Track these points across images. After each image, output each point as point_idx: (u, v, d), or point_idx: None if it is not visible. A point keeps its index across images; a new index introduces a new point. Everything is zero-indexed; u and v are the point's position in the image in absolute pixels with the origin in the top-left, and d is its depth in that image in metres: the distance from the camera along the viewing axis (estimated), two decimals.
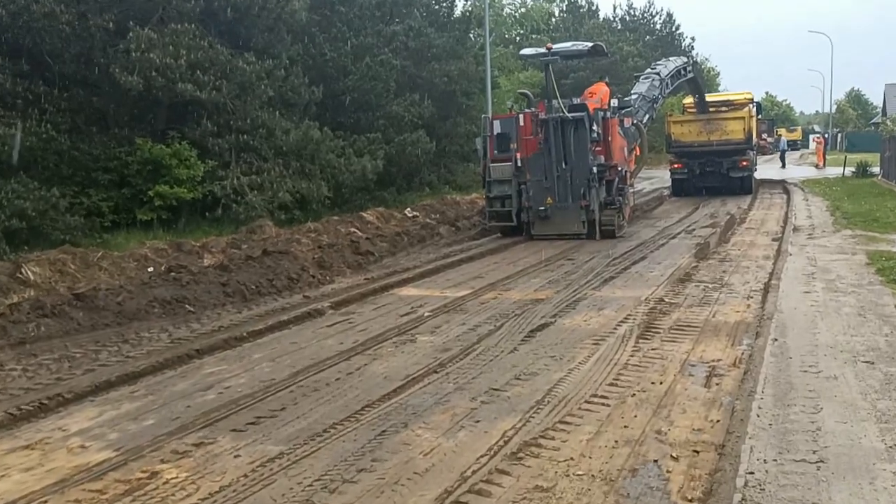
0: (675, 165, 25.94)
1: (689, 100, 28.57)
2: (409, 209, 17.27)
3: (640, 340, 6.67)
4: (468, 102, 25.47)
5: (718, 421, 4.68)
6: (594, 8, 59.66)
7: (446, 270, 11.50)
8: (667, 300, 8.27)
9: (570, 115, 15.00)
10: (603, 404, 5.09)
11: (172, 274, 9.37)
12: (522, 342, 6.87)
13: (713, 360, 5.99)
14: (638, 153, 19.51)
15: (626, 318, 7.55)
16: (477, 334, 7.27)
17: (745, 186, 25.18)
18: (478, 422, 4.88)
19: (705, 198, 23.99)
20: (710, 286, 8.95)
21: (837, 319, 6.71)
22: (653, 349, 6.39)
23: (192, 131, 14.21)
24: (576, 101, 16.50)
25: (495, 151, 16.03)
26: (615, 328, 7.19)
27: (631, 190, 18.84)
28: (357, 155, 17.79)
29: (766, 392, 4.95)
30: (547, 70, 15.92)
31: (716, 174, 24.98)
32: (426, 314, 8.33)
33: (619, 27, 61.91)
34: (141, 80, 13.09)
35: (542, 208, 14.79)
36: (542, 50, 16.29)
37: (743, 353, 6.11)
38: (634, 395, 5.26)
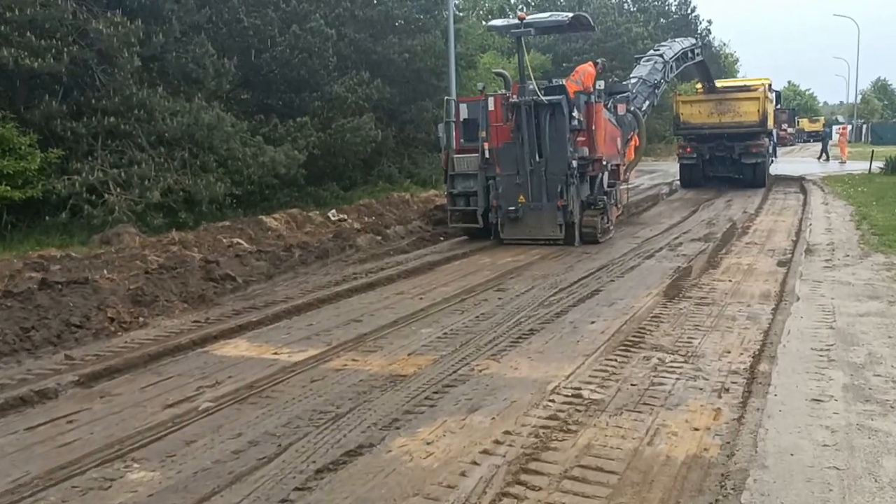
0: (686, 150, 23.65)
1: (700, 85, 25.70)
2: (333, 211, 14.12)
3: None
4: (438, 84, 22.16)
5: None
6: None
7: (322, 307, 8.36)
8: (585, 394, 5.07)
9: (544, 98, 12.19)
10: None
11: None
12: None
13: None
14: (636, 144, 16.63)
15: (502, 439, 4.38)
16: (229, 470, 4.15)
17: (757, 177, 22.96)
18: None
19: (709, 197, 20.63)
20: (667, 362, 5.72)
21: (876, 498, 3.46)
22: None
23: (34, 111, 11.08)
24: (556, 82, 13.66)
25: (462, 140, 13.46)
26: (471, 466, 4.04)
27: (624, 186, 15.85)
28: (275, 143, 14.64)
29: None
30: (519, 44, 13.14)
31: (726, 160, 23.04)
32: (204, 405, 5.22)
33: (633, 9, 58.16)
34: None
35: (513, 208, 12.31)
36: (515, 21, 13.33)
37: None
38: None
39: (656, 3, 61.92)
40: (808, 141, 60.58)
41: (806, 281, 8.31)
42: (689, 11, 62.93)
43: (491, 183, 12.73)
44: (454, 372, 5.74)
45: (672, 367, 5.60)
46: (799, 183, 23.31)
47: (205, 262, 9.23)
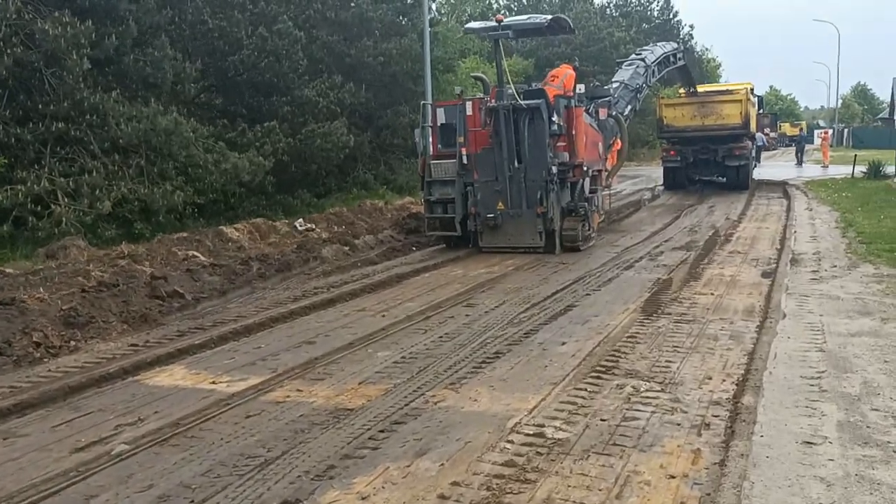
0: (670, 153, 23.69)
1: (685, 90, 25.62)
2: (300, 220, 13.48)
3: None
4: (415, 88, 21.58)
5: None
6: None
7: (275, 327, 7.74)
8: (549, 432, 4.49)
9: (523, 102, 11.83)
10: None
11: None
12: None
13: None
14: (618, 149, 16.26)
15: (448, 492, 3.76)
16: None
17: (741, 179, 23.09)
18: None
19: (691, 202, 20.22)
20: (642, 391, 5.16)
21: None
22: None
23: None
24: (535, 86, 13.39)
25: (439, 146, 13.06)
26: None
27: (606, 192, 15.45)
28: (242, 150, 14.00)
29: None
30: (497, 47, 12.71)
31: (710, 163, 23.10)
32: (118, 448, 4.59)
33: (615, 14, 57.97)
34: None
35: (492, 215, 11.92)
36: (492, 23, 12.86)
37: None
38: None
39: (639, 8, 61.84)
40: (790, 145, 60.58)
41: (792, 295, 7.79)
42: (671, 16, 62.95)
43: (469, 189, 12.30)
44: (406, 405, 5.15)
45: (647, 397, 5.04)
46: (782, 188, 22.97)
47: (151, 277, 8.57)
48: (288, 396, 5.49)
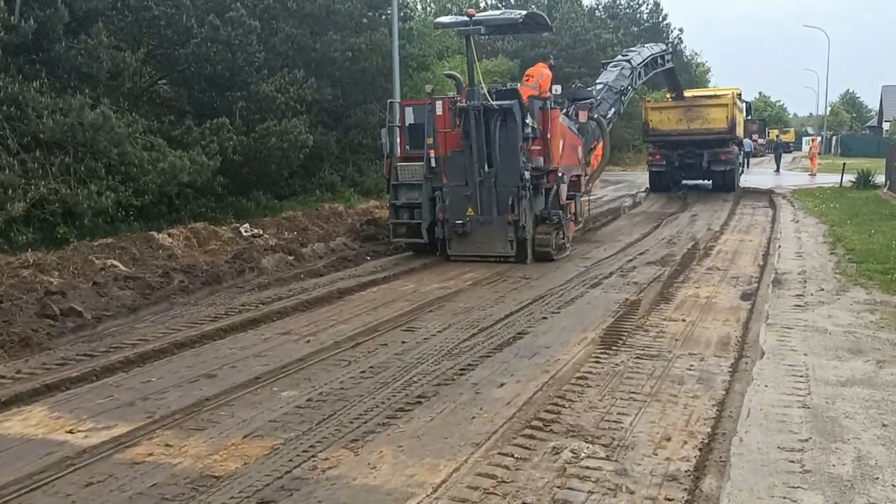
0: (656, 157, 23.49)
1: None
2: (246, 226, 12.41)
3: None
4: (386, 86, 20.51)
5: None
6: None
7: (178, 353, 6.68)
8: None
9: (495, 103, 11.09)
10: None
11: None
12: None
13: None
14: (600, 154, 15.38)
15: None
16: None
17: (727, 181, 23.04)
18: None
19: (673, 211, 19.29)
20: (582, 458, 4.13)
21: None
22: None
23: None
24: (510, 85, 12.63)
25: (407, 147, 12.39)
26: None
27: (586, 198, 14.59)
28: (185, 148, 12.92)
29: None
30: (468, 44, 11.85)
31: (696, 167, 23.00)
32: None
33: (604, 16, 57.14)
34: None
35: (460, 222, 11.23)
36: (463, 18, 11.99)
37: None
38: None
39: (628, 10, 61.14)
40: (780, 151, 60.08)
41: (773, 326, 6.80)
42: (660, 19, 62.23)
43: (437, 194, 11.58)
44: (288, 472, 4.12)
45: (588, 467, 4.03)
46: (768, 197, 22.11)
47: (46, 292, 7.49)
48: (151, 454, 4.45)
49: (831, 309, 7.41)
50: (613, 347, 6.44)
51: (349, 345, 6.90)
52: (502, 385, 5.51)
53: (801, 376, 5.27)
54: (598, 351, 6.35)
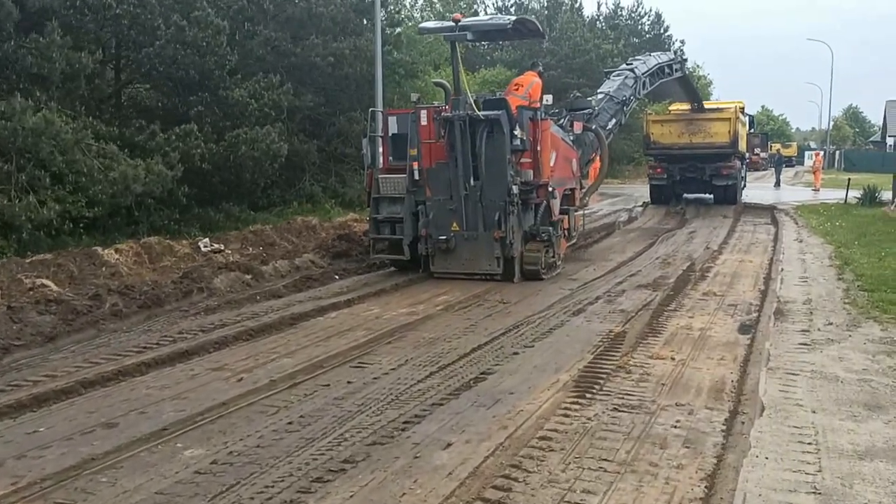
0: (657, 171, 23.15)
1: (675, 107, 24.52)
2: (206, 240, 11.51)
3: None
4: (372, 93, 19.67)
5: None
6: (577, 5, 54.06)
7: (85, 394, 5.74)
8: None
9: (481, 113, 10.42)
10: None
11: None
12: None
13: None
14: (597, 167, 14.64)
15: None
16: None
17: (728, 195, 22.74)
18: None
19: (670, 227, 18.39)
20: None
21: None
22: None
23: None
24: (498, 94, 11.94)
25: (390, 158, 11.73)
26: None
27: (580, 213, 13.80)
28: (146, 155, 12.04)
29: None
30: (454, 50, 11.14)
31: (697, 181, 22.70)
32: None
33: (604, 27, 56.46)
34: None
35: (444, 237, 10.71)
36: (449, 23, 11.27)
37: None
38: None
39: (629, 21, 60.53)
40: (781, 165, 59.38)
41: (775, 371, 5.86)
42: (662, 31, 61.58)
43: (420, 209, 10.99)
44: None
45: None
46: (770, 213, 21.22)
47: None
48: None
49: (842, 349, 6.45)
50: (588, 395, 5.50)
51: (286, 384, 5.97)
52: (448, 446, 4.56)
53: (810, 443, 4.32)
54: (570, 399, 5.41)
